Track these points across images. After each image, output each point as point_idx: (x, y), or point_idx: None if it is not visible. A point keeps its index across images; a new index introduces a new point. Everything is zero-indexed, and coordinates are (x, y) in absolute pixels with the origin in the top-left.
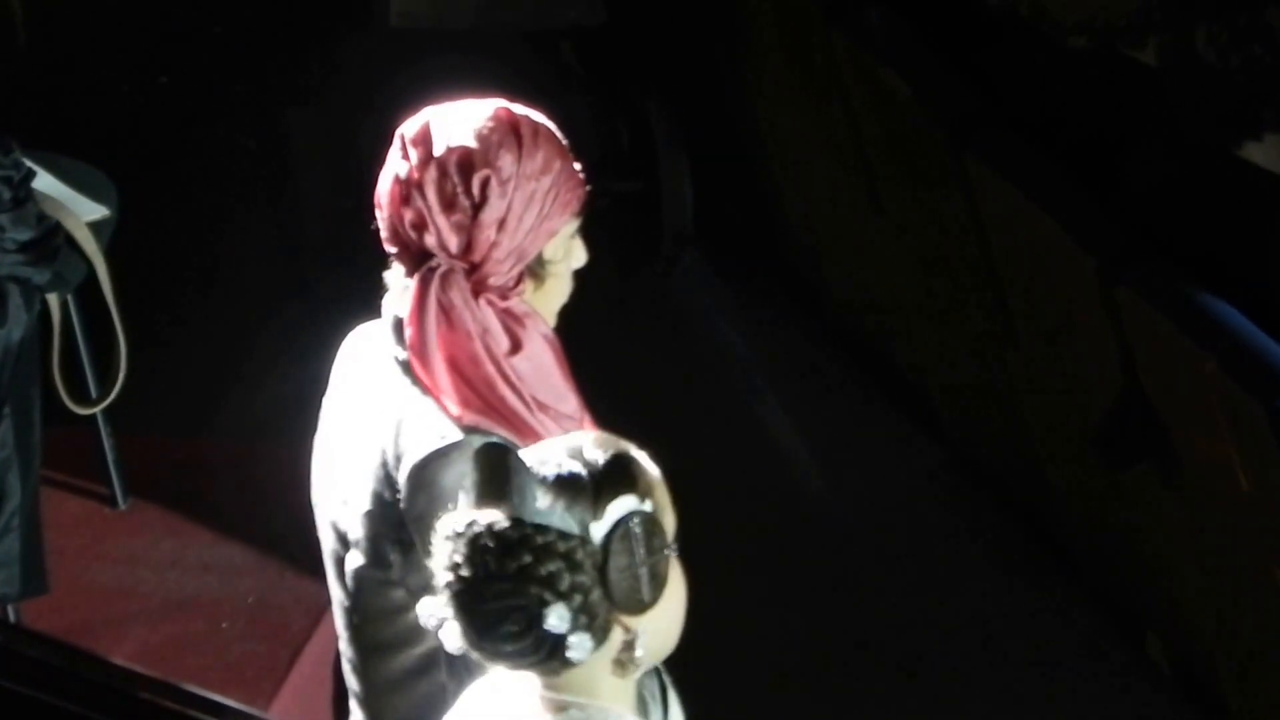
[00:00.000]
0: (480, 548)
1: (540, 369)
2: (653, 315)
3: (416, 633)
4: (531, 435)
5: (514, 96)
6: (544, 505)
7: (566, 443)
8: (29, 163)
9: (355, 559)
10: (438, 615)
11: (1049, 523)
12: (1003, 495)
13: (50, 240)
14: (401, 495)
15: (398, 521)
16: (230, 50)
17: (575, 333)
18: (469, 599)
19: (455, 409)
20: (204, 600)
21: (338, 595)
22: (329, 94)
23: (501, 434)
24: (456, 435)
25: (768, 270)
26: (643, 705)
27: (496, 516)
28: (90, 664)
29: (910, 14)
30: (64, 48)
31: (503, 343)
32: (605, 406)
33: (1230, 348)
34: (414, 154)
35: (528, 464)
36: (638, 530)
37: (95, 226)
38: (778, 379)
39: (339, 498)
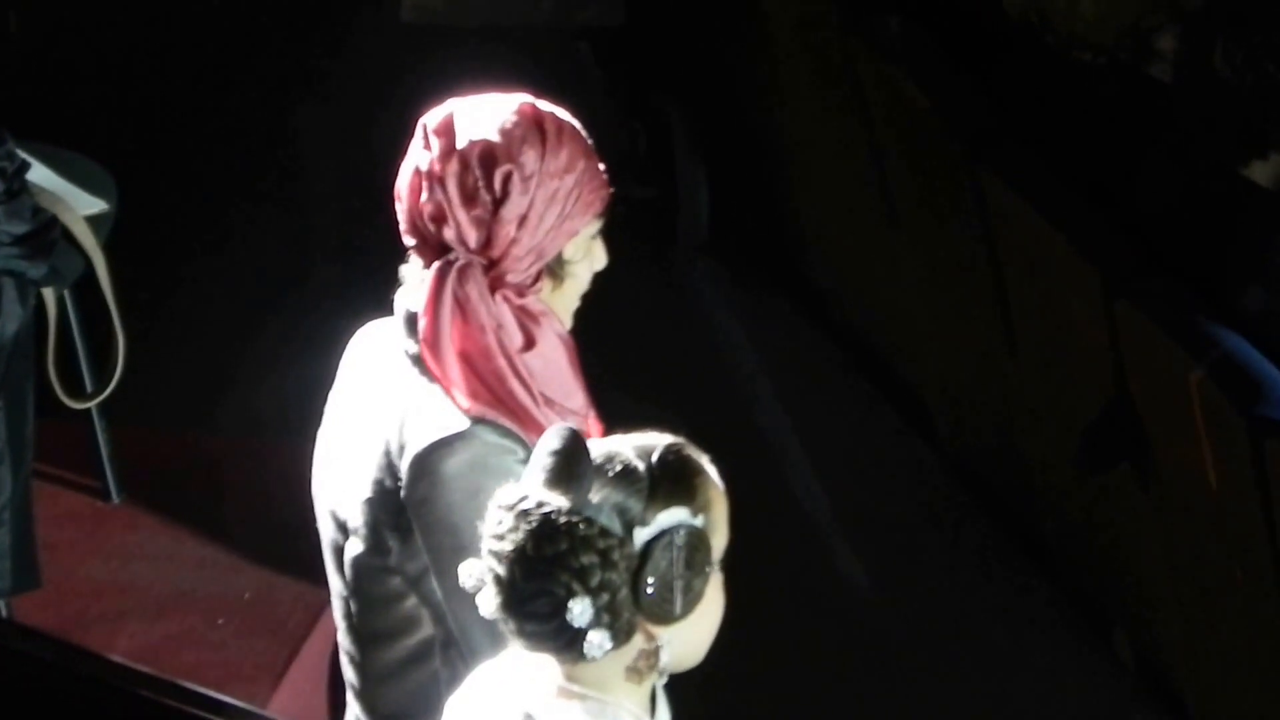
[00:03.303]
0: (524, 525)
1: (551, 366)
2: (664, 320)
3: (413, 621)
4: (536, 429)
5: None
6: (596, 499)
7: (639, 440)
8: (24, 155)
9: (354, 546)
10: (477, 577)
11: (1033, 526)
12: (993, 502)
13: (46, 234)
14: (403, 481)
15: (397, 508)
16: (236, 42)
17: (586, 335)
18: (505, 571)
19: (463, 400)
20: (200, 596)
21: (336, 585)
22: (336, 89)
23: (507, 426)
24: (462, 425)
25: (779, 278)
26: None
27: (549, 498)
28: (84, 660)
29: (930, 24)
30: (61, 37)
31: (516, 339)
32: (614, 409)
33: (1219, 359)
34: (436, 145)
35: (594, 454)
36: (681, 543)
37: (94, 221)
38: (785, 387)
39: (339, 486)
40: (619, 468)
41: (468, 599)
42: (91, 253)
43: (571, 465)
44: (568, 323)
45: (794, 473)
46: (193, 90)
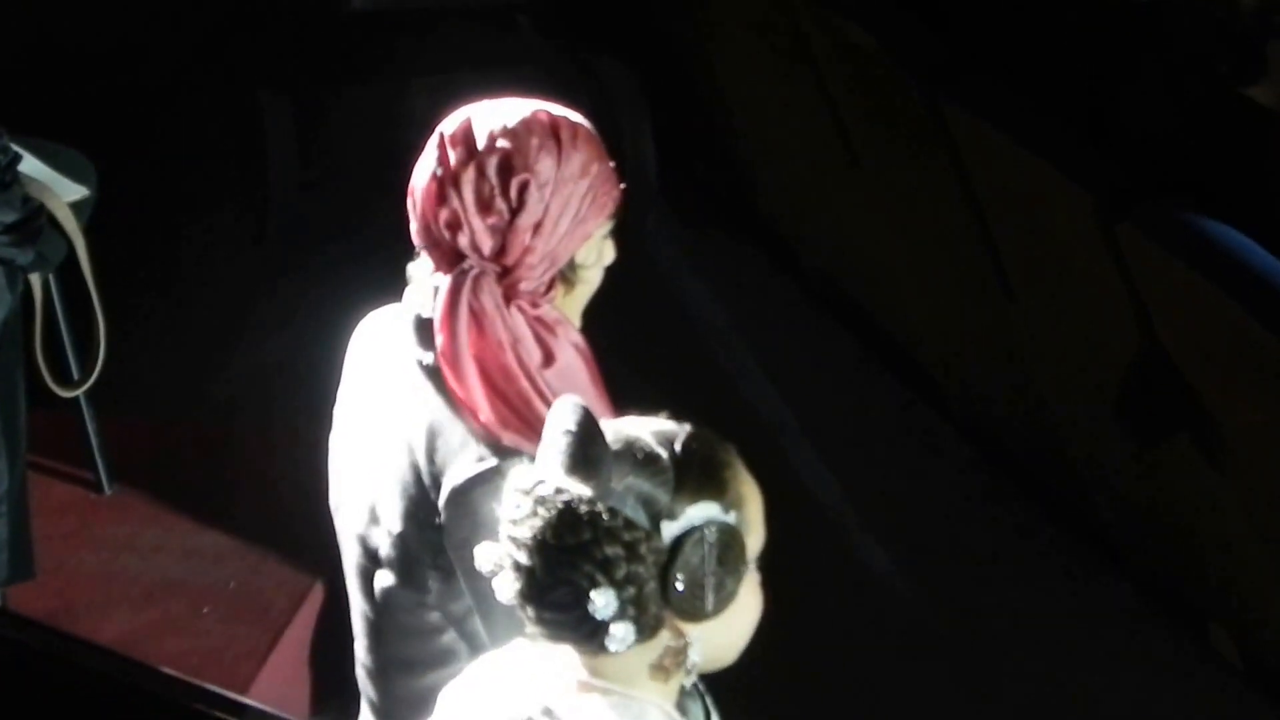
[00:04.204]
0: (543, 512)
1: (572, 383)
2: (620, 277)
3: (450, 654)
4: None
5: (478, 71)
6: (620, 488)
7: (657, 426)
8: (16, 147)
9: (388, 578)
10: (495, 563)
11: (1078, 500)
12: (1021, 470)
13: (34, 221)
14: (442, 520)
15: (436, 546)
16: (201, 31)
17: None
18: (525, 559)
19: (493, 427)
20: (186, 585)
21: (361, 607)
22: (298, 75)
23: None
24: (497, 457)
25: (741, 229)
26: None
27: (569, 485)
28: (71, 647)
29: None
30: (39, 24)
31: (535, 354)
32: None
33: (1259, 290)
34: (453, 153)
35: (610, 438)
36: (712, 540)
37: (75, 206)
38: (759, 344)
39: (365, 509)
40: (640, 455)
41: None
42: (74, 236)
43: (588, 448)
44: (577, 323)
45: (788, 444)
46: (163, 78)
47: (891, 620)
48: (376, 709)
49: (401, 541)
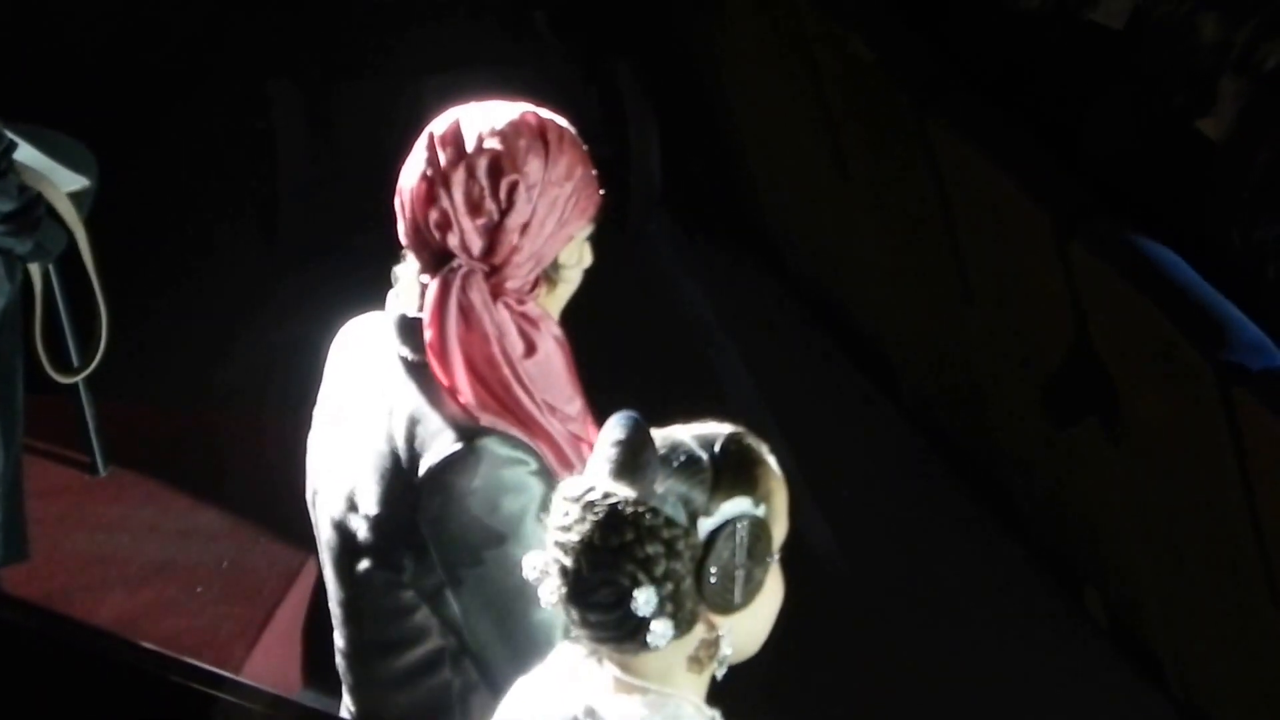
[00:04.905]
0: (591, 516)
1: (549, 372)
2: (619, 277)
3: (423, 631)
4: (543, 436)
5: (489, 69)
6: (661, 489)
7: (700, 430)
8: (10, 134)
9: (365, 561)
10: (540, 569)
11: (1000, 480)
12: (957, 455)
13: (32, 211)
14: (416, 497)
15: (411, 525)
16: (210, 20)
17: None
18: (570, 562)
19: (473, 409)
20: (180, 565)
21: (338, 592)
22: (308, 66)
23: (516, 436)
24: (472, 436)
25: (735, 233)
26: None
27: (615, 489)
28: (67, 629)
29: None
30: (44, 14)
31: (517, 346)
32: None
33: (1178, 302)
34: (442, 155)
35: (657, 444)
36: (744, 533)
37: (75, 197)
38: (744, 342)
39: (343, 498)
40: (683, 458)
41: (485, 614)
42: (74, 228)
43: (636, 455)
44: (556, 319)
45: (758, 434)
46: (182, 68)
47: (826, 585)
48: (354, 691)
49: (378, 524)
